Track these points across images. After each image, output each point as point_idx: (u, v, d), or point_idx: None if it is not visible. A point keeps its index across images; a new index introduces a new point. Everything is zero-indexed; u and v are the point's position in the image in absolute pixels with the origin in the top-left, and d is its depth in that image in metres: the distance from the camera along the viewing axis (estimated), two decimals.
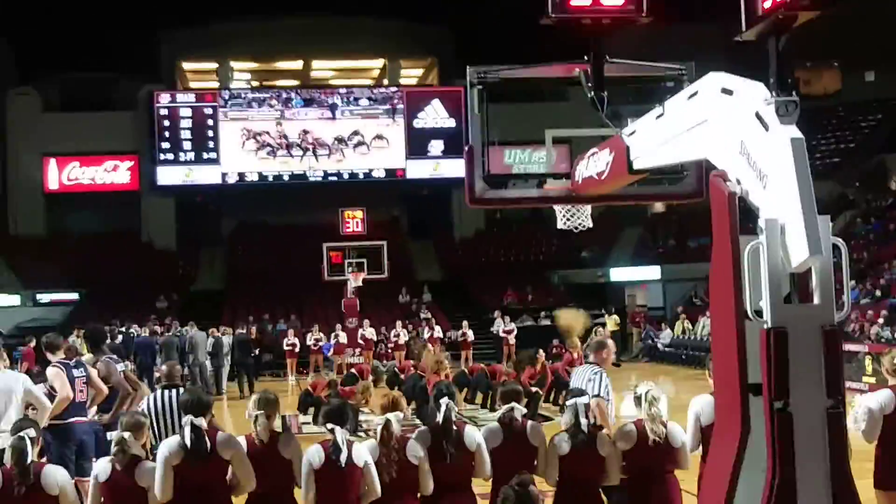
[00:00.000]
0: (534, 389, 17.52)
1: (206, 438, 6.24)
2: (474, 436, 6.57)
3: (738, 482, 4.77)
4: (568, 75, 7.67)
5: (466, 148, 7.75)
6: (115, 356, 10.79)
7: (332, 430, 6.25)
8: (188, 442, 6.19)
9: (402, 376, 20.10)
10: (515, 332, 30.91)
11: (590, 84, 7.21)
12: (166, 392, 7.97)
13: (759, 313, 4.67)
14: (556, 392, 18.59)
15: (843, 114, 44.24)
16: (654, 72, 7.69)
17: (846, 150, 42.56)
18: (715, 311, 5.14)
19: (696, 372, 24.85)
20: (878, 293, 29.38)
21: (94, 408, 9.98)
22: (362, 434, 15.36)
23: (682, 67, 7.48)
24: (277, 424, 6.52)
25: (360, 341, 28.56)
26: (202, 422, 6.27)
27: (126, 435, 6.30)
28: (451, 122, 42.81)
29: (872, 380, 19.85)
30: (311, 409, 17.71)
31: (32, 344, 24.21)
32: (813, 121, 40.44)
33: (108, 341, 15.52)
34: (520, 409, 6.70)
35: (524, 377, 17.32)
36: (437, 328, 30.68)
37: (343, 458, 6.15)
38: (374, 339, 29.66)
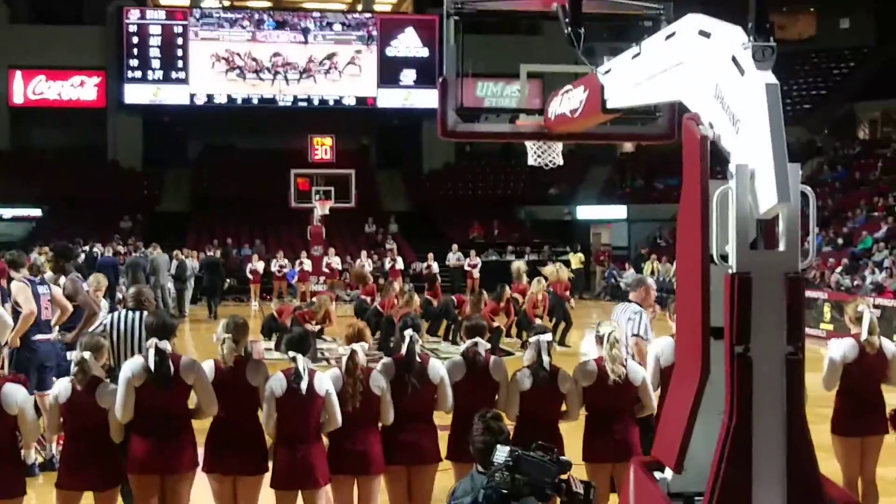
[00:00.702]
0: (496, 324, 17.65)
1: (170, 362, 6.23)
2: (438, 369, 6.61)
3: (696, 424, 4.84)
4: (545, 9, 7.61)
5: (440, 80, 7.69)
6: (79, 275, 10.70)
7: (293, 359, 6.28)
8: (151, 365, 6.19)
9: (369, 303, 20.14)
10: (480, 265, 31.02)
11: (567, 19, 7.15)
12: (130, 314, 7.91)
13: (724, 258, 4.70)
14: (520, 330, 18.74)
15: (816, 60, 44.28)
16: (631, 10, 7.63)
17: (817, 96, 42.69)
18: (681, 254, 5.17)
19: (657, 313, 25.05)
20: (840, 241, 29.71)
21: (56, 326, 9.91)
22: (324, 362, 15.43)
23: (659, 7, 7.43)
24: (245, 350, 6.51)
25: (325, 269, 28.57)
26: (167, 345, 6.25)
27: (86, 355, 6.28)
28: (425, 52, 42.41)
29: (830, 327, 20.15)
30: (275, 336, 17.73)
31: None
32: (785, 66, 40.42)
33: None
34: (483, 345, 6.74)
35: (485, 311, 17.44)
36: (400, 259, 30.65)
37: (304, 386, 6.19)
38: (339, 267, 29.68)
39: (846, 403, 7.18)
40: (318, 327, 16.93)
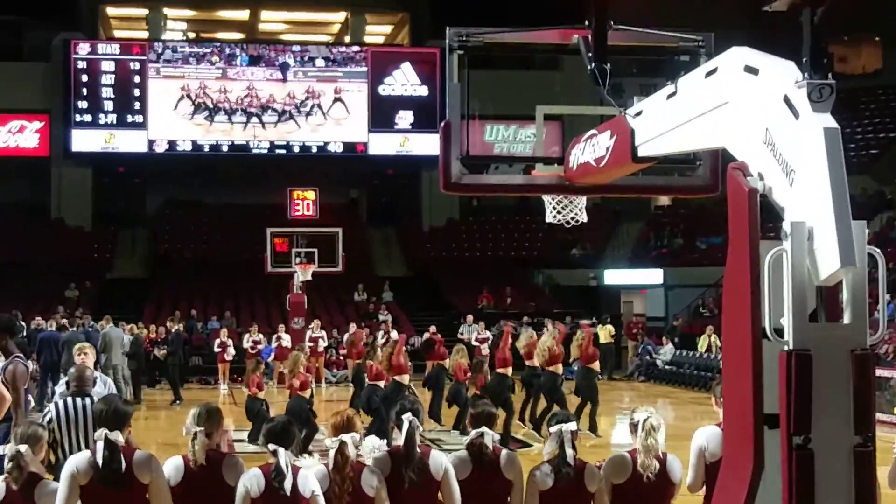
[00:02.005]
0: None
1: (122, 457, 6.19)
2: (441, 462, 6.54)
3: None
4: (564, 41, 7.69)
5: (442, 123, 7.74)
6: (21, 355, 10.64)
7: (274, 452, 6.21)
8: (99, 459, 6.15)
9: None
10: (491, 340, 30.87)
11: (590, 54, 7.22)
12: (77, 400, 7.91)
13: (779, 332, 4.69)
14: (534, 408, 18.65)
15: (884, 97, 44.59)
16: (665, 41, 7.71)
17: (885, 139, 42.90)
18: (728, 327, 5.16)
19: (699, 395, 25.01)
20: None
21: None
22: (306, 456, 15.33)
23: (698, 38, 7.50)
24: (220, 443, 6.46)
25: (309, 345, 28.44)
26: (118, 437, 6.21)
27: (23, 449, 6.24)
28: (424, 90, 42.80)
29: None
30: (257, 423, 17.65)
31: None
32: (847, 105, 40.74)
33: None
34: (492, 436, 6.69)
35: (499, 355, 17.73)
36: (395, 333, 30.44)
37: (287, 485, 6.11)
38: (326, 343, 29.56)
39: None
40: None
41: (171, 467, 6.30)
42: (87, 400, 7.88)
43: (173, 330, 27.59)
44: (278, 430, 6.37)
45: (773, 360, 4.68)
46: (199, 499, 6.25)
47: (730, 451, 5.21)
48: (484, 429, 6.69)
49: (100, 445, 6.18)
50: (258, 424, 16.79)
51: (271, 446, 6.24)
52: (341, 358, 30.31)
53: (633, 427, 6.76)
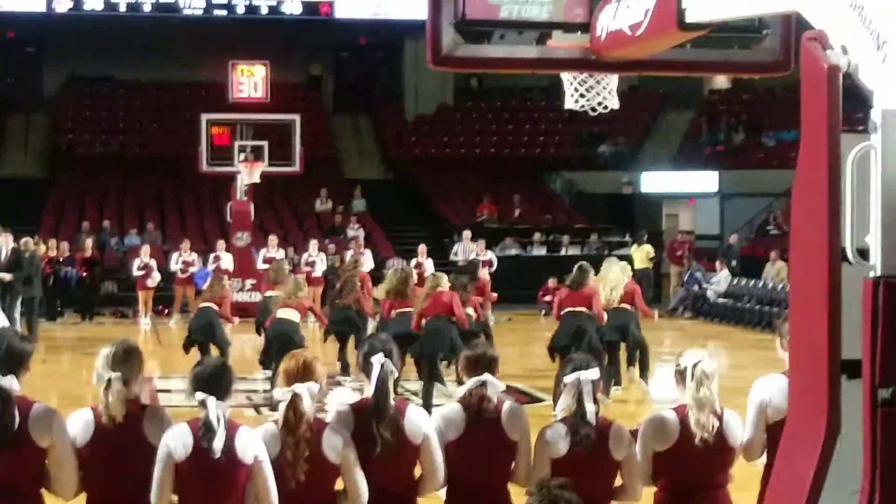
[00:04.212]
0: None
1: (16, 410, 6.20)
2: (420, 422, 6.57)
3: None
4: None
5: None
6: None
7: (202, 403, 6.21)
8: None
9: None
10: (495, 264, 30.82)
11: None
12: None
13: (863, 253, 4.70)
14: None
15: None
16: None
17: None
18: (797, 248, 5.17)
19: (763, 337, 25.16)
20: None
21: None
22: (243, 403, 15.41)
23: None
24: (140, 393, 6.46)
25: (262, 267, 28.28)
26: (13, 383, 6.19)
27: None
28: None
29: None
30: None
31: None
32: None
33: None
34: (495, 385, 6.70)
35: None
36: (368, 253, 30.16)
37: (218, 445, 6.11)
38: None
39: None
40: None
41: (78, 424, 6.31)
42: None
43: (9, 247, 24.89)
44: (207, 375, 6.35)
45: (856, 289, 4.70)
46: (113, 462, 6.27)
47: (797, 408, 5.24)
48: (485, 376, 6.68)
49: None
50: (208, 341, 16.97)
51: (199, 395, 6.21)
52: None
53: (680, 375, 6.76)
